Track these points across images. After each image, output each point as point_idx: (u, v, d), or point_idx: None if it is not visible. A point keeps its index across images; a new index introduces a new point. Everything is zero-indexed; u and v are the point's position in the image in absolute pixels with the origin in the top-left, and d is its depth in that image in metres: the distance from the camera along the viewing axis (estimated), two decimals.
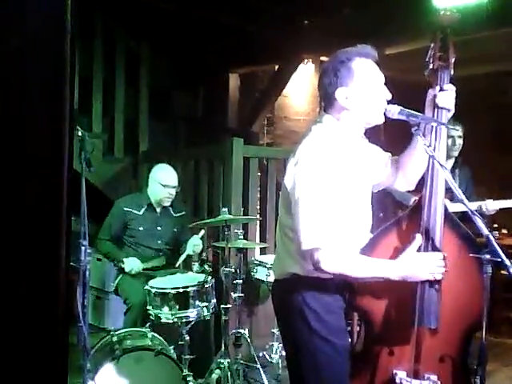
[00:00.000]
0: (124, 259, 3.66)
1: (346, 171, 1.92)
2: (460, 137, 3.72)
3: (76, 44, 1.20)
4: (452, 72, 2.04)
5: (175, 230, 3.90)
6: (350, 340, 2.08)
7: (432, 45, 2.06)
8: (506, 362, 4.30)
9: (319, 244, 1.82)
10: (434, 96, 2.03)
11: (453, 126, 3.65)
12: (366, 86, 1.94)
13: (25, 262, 1.14)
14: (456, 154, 3.74)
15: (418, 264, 1.86)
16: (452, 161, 3.76)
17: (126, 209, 3.77)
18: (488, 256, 1.78)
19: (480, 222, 1.74)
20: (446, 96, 2.01)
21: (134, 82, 5.61)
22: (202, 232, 3.72)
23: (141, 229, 3.78)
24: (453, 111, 2.04)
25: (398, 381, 1.95)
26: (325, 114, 2.01)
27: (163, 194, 3.79)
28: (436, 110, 2.02)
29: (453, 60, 2.04)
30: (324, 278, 1.90)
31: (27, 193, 1.14)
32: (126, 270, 3.63)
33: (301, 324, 1.93)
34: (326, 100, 1.99)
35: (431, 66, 2.05)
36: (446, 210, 1.98)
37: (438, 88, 2.03)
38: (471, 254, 1.88)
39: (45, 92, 1.16)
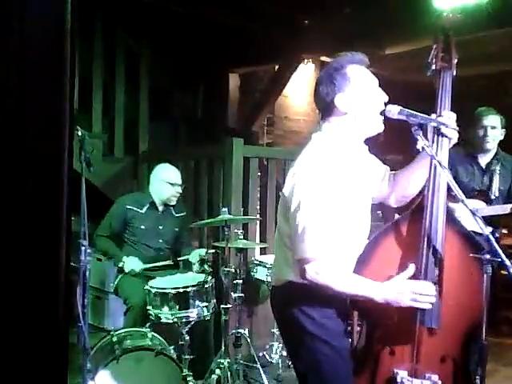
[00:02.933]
0: (124, 258, 3.65)
1: (345, 180, 1.92)
2: (494, 128, 3.39)
3: (76, 44, 1.20)
4: (454, 73, 2.05)
5: (176, 229, 3.91)
6: (350, 341, 2.08)
7: (434, 45, 2.06)
8: (506, 362, 4.30)
9: (311, 254, 1.83)
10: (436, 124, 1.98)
11: (487, 115, 3.42)
12: (362, 90, 1.95)
13: (25, 262, 1.14)
14: (490, 146, 3.40)
15: (403, 291, 1.84)
16: (488, 155, 3.44)
17: (128, 207, 3.77)
18: (488, 256, 1.78)
19: (480, 223, 1.74)
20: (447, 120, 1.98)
21: (134, 81, 5.60)
22: (211, 251, 3.75)
23: (143, 227, 3.78)
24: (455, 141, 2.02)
25: (398, 380, 1.95)
26: (324, 122, 2.01)
27: (171, 192, 3.82)
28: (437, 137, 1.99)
29: (455, 61, 2.04)
30: None
31: (27, 193, 1.14)
32: (126, 270, 3.62)
33: (299, 330, 1.94)
34: (325, 109, 1.99)
35: (434, 67, 2.05)
36: (447, 210, 1.98)
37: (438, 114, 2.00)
38: (471, 254, 1.88)
39: (45, 92, 1.16)
